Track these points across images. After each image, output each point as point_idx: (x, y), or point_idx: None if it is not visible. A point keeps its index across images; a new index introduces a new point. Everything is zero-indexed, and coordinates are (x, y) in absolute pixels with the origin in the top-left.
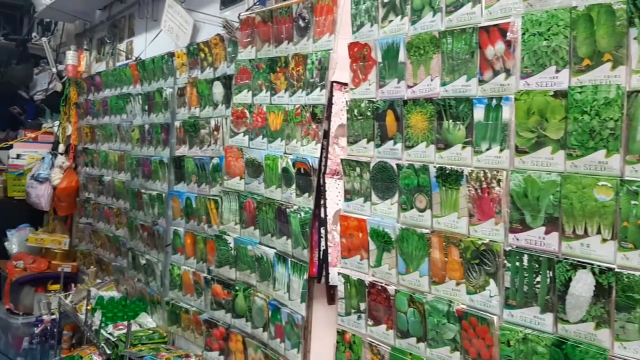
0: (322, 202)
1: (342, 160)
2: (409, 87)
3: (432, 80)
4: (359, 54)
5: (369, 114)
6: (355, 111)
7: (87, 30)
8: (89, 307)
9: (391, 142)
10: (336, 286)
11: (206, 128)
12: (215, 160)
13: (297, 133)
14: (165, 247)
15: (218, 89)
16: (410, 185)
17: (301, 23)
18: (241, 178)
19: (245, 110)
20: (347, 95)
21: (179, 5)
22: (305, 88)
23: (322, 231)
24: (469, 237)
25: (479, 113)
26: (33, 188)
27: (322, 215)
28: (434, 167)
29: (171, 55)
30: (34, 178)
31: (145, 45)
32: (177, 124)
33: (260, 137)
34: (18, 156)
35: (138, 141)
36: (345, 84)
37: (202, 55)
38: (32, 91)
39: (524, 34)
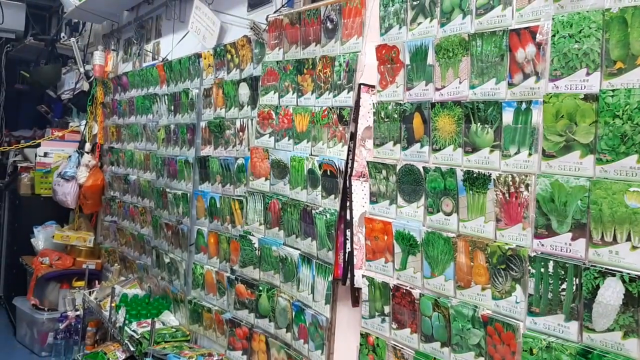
0: (348, 204)
1: (368, 162)
2: (437, 89)
3: (460, 83)
4: (386, 56)
5: (396, 116)
6: (382, 113)
7: (115, 30)
8: (113, 304)
9: (418, 144)
10: (361, 288)
11: (231, 129)
12: (240, 161)
13: (323, 135)
14: (189, 246)
15: (244, 90)
16: (436, 189)
17: (329, 25)
18: (266, 179)
19: (272, 112)
20: (374, 97)
21: (207, 6)
22: (332, 90)
23: (348, 233)
24: (495, 241)
25: (507, 116)
26: (59, 186)
27: (348, 217)
28: (461, 170)
29: (198, 56)
30: (60, 176)
31: (172, 46)
32: (202, 124)
33: (286, 138)
34: (45, 154)
35: (164, 141)
36: (373, 86)
37: (229, 56)
38: (60, 90)
39: (554, 35)
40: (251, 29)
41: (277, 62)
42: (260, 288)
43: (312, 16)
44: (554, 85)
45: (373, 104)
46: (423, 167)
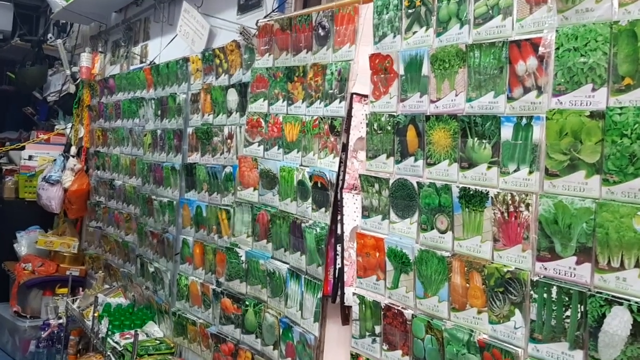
0: (339, 217)
1: (360, 175)
2: (432, 102)
3: (456, 95)
4: (380, 65)
5: (389, 128)
6: (375, 125)
7: (102, 32)
8: (96, 314)
9: (412, 158)
10: (351, 306)
11: (219, 136)
12: (227, 169)
13: (314, 145)
14: (174, 256)
15: (232, 97)
16: (431, 205)
17: (321, 32)
18: (255, 189)
19: (261, 120)
20: (367, 107)
21: (196, 10)
22: (323, 99)
23: (339, 248)
24: (492, 262)
25: (506, 132)
26: (44, 190)
27: (339, 231)
28: (457, 187)
29: (186, 60)
30: (45, 180)
31: (160, 49)
32: (189, 130)
33: (276, 147)
34: (30, 157)
35: (150, 146)
36: (366, 96)
37: (218, 61)
38: (46, 92)
39: (557, 48)
40: (240, 33)
41: (267, 68)
42: (247, 303)
43: (303, 22)
44: (558, 101)
45: (366, 114)
46: (417, 182)
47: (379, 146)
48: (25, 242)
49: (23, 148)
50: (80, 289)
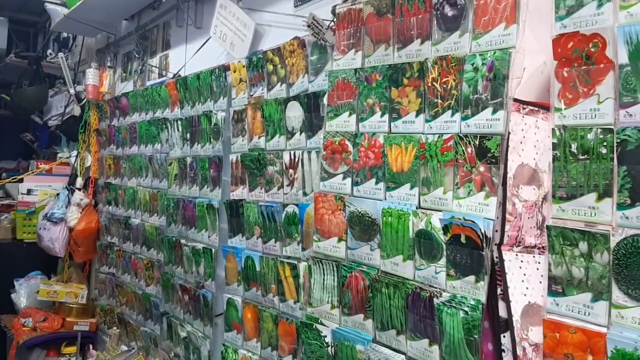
0: (499, 291)
1: (549, 227)
2: None
3: None
4: (576, 52)
5: (603, 151)
6: (573, 146)
7: (111, 44)
8: None
9: None
10: None
11: (276, 164)
12: (290, 209)
13: (445, 178)
14: (214, 319)
15: (295, 112)
16: None
17: (448, 11)
18: (340, 240)
19: (347, 142)
20: (550, 119)
21: (235, 4)
22: (459, 109)
23: (505, 341)
24: None
25: None
26: (46, 230)
27: (506, 314)
28: None
29: (224, 69)
30: (47, 218)
31: (185, 58)
32: (232, 157)
33: (373, 181)
34: (29, 191)
35: (177, 178)
36: (526, 103)
37: (270, 67)
38: (46, 116)
39: None
40: (309, 26)
41: (355, 70)
42: None
43: (415, 0)
44: None
45: (553, 129)
46: None
47: (580, 180)
48: (24, 292)
49: (21, 181)
50: (91, 346)
